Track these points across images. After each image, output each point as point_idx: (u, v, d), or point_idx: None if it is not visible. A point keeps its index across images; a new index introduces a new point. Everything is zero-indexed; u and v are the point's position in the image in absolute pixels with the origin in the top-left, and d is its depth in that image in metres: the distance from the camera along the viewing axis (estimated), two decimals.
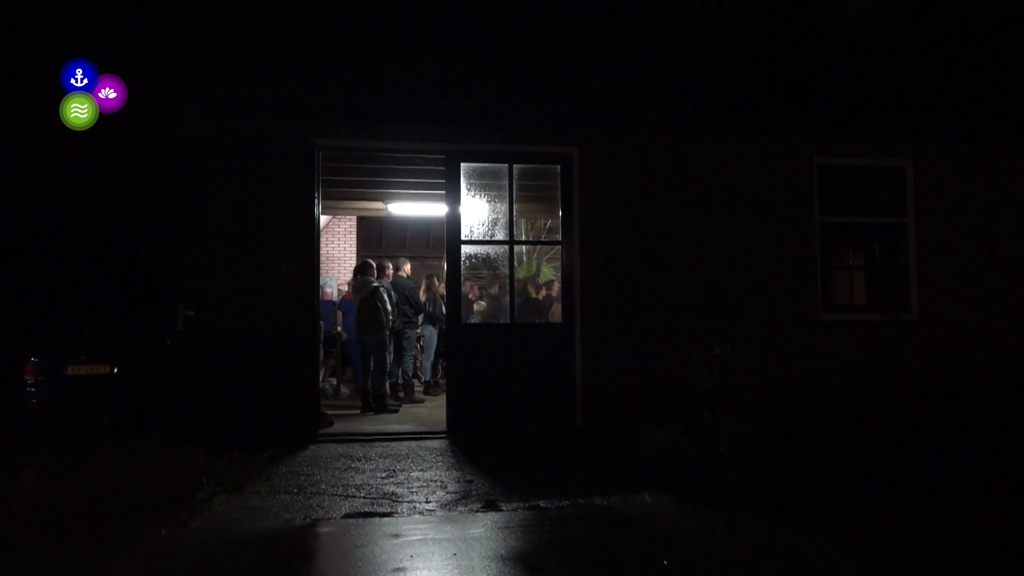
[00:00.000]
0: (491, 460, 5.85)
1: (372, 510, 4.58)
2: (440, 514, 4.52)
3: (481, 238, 7.11)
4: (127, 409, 7.48)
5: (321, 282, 7.82)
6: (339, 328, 9.73)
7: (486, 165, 6.98)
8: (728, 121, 7.10)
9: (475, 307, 8.92)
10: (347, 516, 4.47)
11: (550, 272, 11.59)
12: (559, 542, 4.06)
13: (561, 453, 6.12)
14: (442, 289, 9.84)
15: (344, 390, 9.63)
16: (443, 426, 6.80)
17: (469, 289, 8.92)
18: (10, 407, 7.57)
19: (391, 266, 9.21)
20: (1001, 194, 7.53)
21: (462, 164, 6.82)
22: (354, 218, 13.36)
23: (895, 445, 5.60)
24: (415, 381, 9.98)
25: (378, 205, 10.18)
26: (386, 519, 4.41)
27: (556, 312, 7.80)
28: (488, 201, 7.06)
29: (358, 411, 8.09)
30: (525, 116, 6.79)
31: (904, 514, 4.50)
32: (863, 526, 4.28)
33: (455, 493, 4.96)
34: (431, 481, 5.28)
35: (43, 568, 3.71)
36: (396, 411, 8.22)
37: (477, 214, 7.02)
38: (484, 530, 4.20)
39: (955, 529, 4.28)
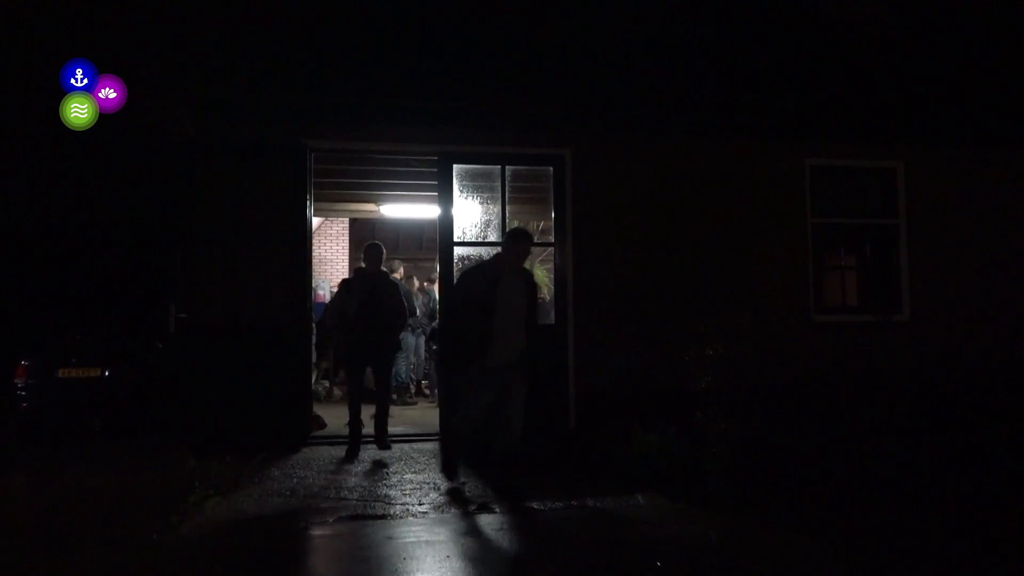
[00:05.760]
0: (484, 462, 5.84)
1: (365, 512, 4.56)
2: (433, 516, 4.51)
3: (474, 240, 7.09)
4: (118, 412, 7.44)
5: (313, 284, 7.79)
6: None
7: (479, 167, 6.97)
8: (720, 123, 7.12)
9: None
10: (340, 519, 4.45)
11: (543, 274, 11.57)
12: (552, 544, 4.06)
13: (554, 455, 6.11)
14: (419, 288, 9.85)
15: (337, 392, 9.60)
16: (435, 428, 6.78)
17: None
18: (0, 410, 7.52)
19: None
20: (992, 196, 7.58)
21: (455, 166, 6.81)
22: (346, 220, 13.33)
23: (887, 445, 5.63)
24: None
25: (370, 207, 10.16)
26: (379, 521, 4.40)
27: (548, 313, 7.78)
28: (481, 203, 7.05)
29: None
30: (518, 118, 6.79)
31: (896, 515, 4.52)
32: (855, 527, 4.29)
33: (448, 495, 4.95)
34: (424, 483, 5.27)
35: (31, 573, 3.68)
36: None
37: (470, 216, 7.00)
38: (477, 532, 4.19)
39: (947, 529, 4.30)
